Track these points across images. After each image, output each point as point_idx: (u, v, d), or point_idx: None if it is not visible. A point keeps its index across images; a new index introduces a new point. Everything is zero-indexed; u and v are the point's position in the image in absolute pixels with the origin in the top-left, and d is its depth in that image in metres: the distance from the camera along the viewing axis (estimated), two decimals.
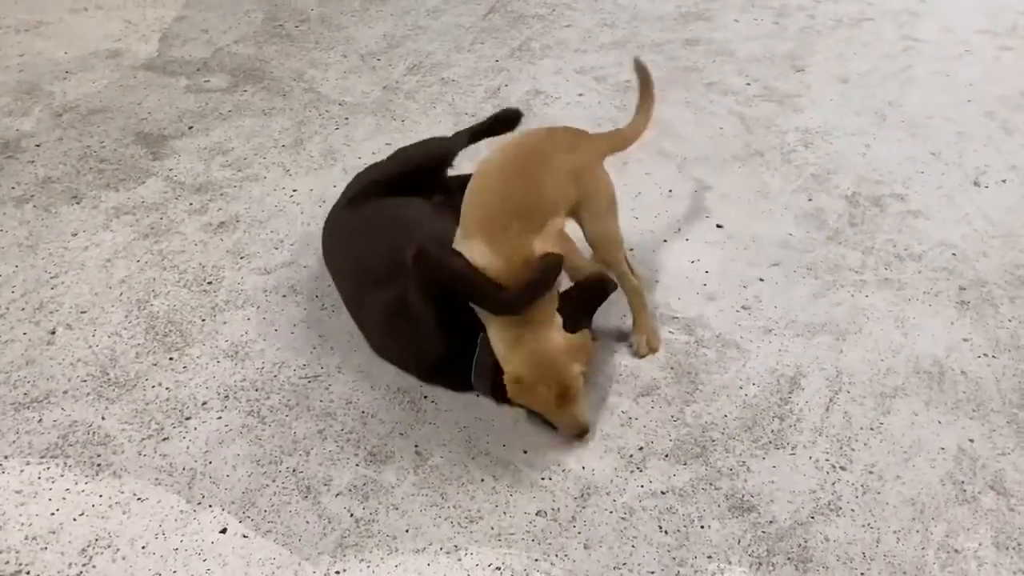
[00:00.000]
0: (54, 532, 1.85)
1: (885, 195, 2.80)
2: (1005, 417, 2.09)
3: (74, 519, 1.88)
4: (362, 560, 1.80)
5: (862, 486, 1.95)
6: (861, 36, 3.71)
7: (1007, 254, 2.56)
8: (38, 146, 3.03)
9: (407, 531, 1.85)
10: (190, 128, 3.14)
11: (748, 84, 3.39)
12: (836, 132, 3.11)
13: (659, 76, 3.46)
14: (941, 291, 2.44)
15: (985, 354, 2.25)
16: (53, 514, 1.88)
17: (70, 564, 1.79)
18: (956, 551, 1.82)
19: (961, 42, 3.65)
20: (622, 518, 1.89)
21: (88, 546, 1.82)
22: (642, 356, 2.24)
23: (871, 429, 2.07)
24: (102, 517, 1.88)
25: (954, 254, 2.57)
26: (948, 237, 2.63)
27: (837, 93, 3.33)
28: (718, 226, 2.67)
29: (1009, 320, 2.35)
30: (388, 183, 2.39)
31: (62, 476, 1.96)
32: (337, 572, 1.77)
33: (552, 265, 1.93)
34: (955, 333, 2.31)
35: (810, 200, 2.79)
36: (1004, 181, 2.86)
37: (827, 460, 2.00)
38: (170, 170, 2.92)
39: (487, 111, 3.20)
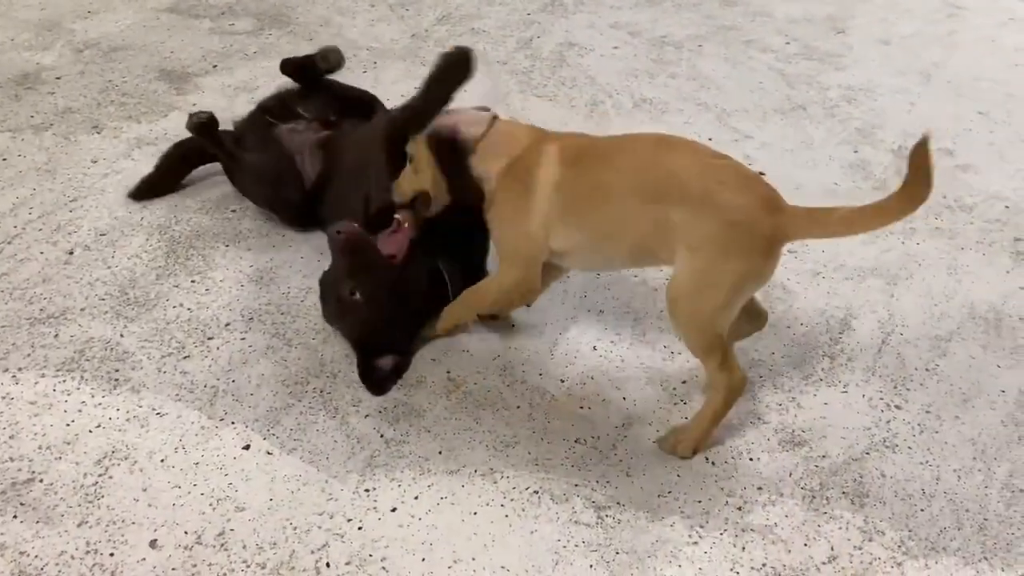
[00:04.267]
0: (69, 443, 1.76)
1: (933, 150, 2.70)
2: None
3: (90, 431, 1.78)
4: (392, 479, 1.70)
5: (919, 425, 1.85)
6: (903, 2, 3.61)
7: None
8: (58, 79, 2.95)
9: (440, 453, 1.76)
10: (214, 67, 3.06)
11: (788, 43, 3.30)
12: (880, 90, 3.01)
13: (695, 32, 3.40)
14: (995, 241, 2.34)
15: None
16: (68, 425, 1.79)
17: (85, 474, 1.70)
18: (1021, 491, 1.72)
19: (1005, 10, 3.56)
20: None
21: (104, 457, 1.73)
22: (665, 451, 1.77)
23: (926, 370, 1.97)
24: (119, 430, 1.79)
25: (1007, 207, 2.47)
26: (1000, 191, 2.53)
27: (880, 54, 3.24)
28: (761, 173, 2.56)
29: None
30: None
31: (78, 389, 1.87)
32: (367, 490, 1.68)
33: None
34: (1011, 281, 2.21)
35: (855, 152, 2.69)
36: None
37: (881, 399, 1.90)
38: (193, 104, 2.83)
39: (519, 61, 3.13)
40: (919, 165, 1.51)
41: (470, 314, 1.97)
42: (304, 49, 3.15)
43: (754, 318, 1.83)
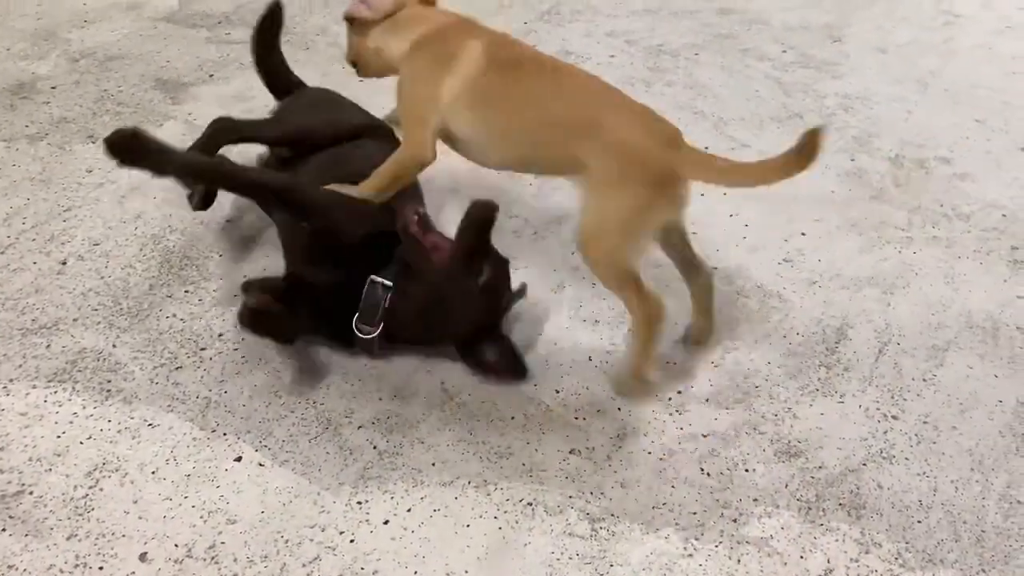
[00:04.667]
0: (59, 455, 1.74)
1: (930, 158, 2.70)
2: None
3: (81, 443, 1.77)
4: (385, 492, 1.69)
5: (916, 435, 1.83)
6: (899, 10, 3.61)
7: None
8: (54, 88, 2.94)
9: (433, 464, 1.74)
10: (210, 76, 3.05)
11: (784, 51, 3.29)
12: (876, 98, 3.01)
13: (692, 41, 3.40)
14: (992, 250, 2.33)
15: None
16: (59, 437, 1.78)
17: (75, 487, 1.68)
18: (1019, 502, 1.70)
19: (1002, 18, 3.56)
20: (660, 459, 1.77)
21: (95, 469, 1.72)
22: (624, 394, 1.88)
23: (924, 380, 1.96)
24: (110, 441, 1.77)
25: (1004, 215, 2.46)
26: (997, 199, 2.52)
27: (876, 62, 3.24)
28: None
29: None
30: None
31: (69, 400, 1.86)
32: (359, 503, 1.67)
33: None
34: (1008, 290, 2.20)
35: (852, 160, 2.69)
36: None
37: (878, 409, 1.89)
38: (189, 114, 2.83)
39: None
40: (812, 145, 1.69)
41: (380, 186, 1.93)
42: (301, 57, 3.16)
43: (693, 271, 1.93)
